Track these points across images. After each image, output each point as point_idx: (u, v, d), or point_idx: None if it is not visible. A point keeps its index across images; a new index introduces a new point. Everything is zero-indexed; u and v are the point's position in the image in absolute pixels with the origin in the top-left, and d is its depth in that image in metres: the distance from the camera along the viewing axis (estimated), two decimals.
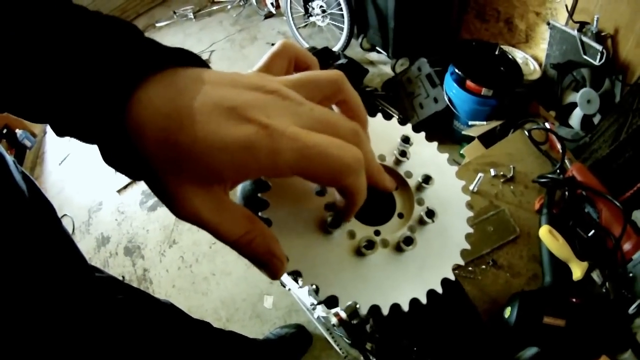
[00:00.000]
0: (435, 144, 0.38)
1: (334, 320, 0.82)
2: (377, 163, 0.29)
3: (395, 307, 0.30)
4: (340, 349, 1.16)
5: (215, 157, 0.23)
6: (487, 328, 0.74)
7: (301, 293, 1.04)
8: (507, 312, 0.71)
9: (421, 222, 0.33)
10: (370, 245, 0.30)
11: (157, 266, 1.99)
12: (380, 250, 0.31)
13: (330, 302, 0.29)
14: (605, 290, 0.77)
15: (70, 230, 2.22)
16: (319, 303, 0.91)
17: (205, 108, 0.23)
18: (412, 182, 0.34)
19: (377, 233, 0.32)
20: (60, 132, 0.26)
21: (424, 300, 0.30)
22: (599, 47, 1.91)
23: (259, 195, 0.30)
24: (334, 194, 0.30)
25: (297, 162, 0.23)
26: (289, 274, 0.28)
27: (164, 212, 2.17)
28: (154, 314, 0.83)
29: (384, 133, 0.35)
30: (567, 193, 0.89)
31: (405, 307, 0.30)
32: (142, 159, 0.23)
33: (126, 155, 0.24)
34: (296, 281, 1.00)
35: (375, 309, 0.29)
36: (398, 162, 0.34)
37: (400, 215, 0.34)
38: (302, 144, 0.23)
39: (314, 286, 0.29)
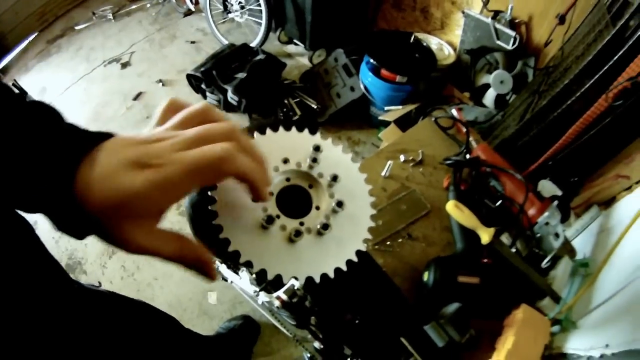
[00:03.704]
0: (341, 146, 0.47)
1: (277, 303, 0.90)
2: (257, 152, 0.37)
3: (324, 276, 0.39)
4: (287, 331, 1.24)
5: (135, 201, 0.31)
6: (401, 292, 0.85)
7: (243, 284, 1.10)
8: (426, 276, 0.79)
9: (334, 211, 0.42)
10: (298, 233, 0.39)
11: (101, 279, 1.94)
12: (306, 236, 0.40)
13: (277, 281, 0.38)
14: (515, 249, 0.87)
15: None
16: (261, 289, 0.99)
17: (116, 168, 0.31)
18: (324, 181, 0.44)
19: (301, 224, 0.41)
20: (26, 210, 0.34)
21: (344, 268, 0.40)
22: (512, 33, 2.06)
23: (209, 207, 0.38)
24: (271, 200, 0.39)
25: (190, 178, 0.32)
26: (242, 264, 0.36)
27: None
28: (135, 315, 0.83)
29: (299, 143, 0.45)
30: (473, 171, 1.00)
31: (331, 275, 0.39)
32: (90, 218, 0.31)
33: (76, 222, 0.32)
34: (236, 271, 1.05)
35: (310, 280, 0.38)
36: (311, 167, 0.44)
37: (317, 208, 0.43)
38: (183, 164, 0.31)
39: (261, 270, 0.37)
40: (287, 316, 0.91)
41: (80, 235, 0.33)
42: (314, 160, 0.43)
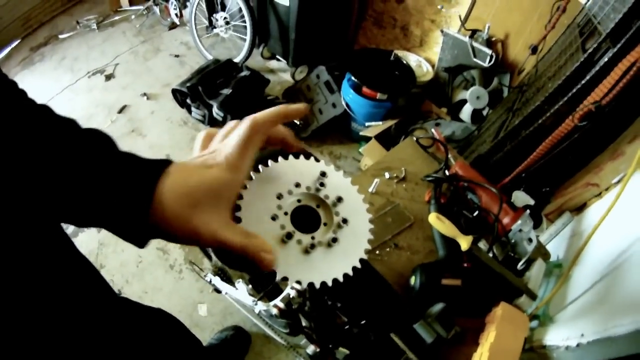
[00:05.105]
0: (342, 171, 0.55)
1: (274, 311, 0.96)
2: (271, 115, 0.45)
3: (335, 281, 0.46)
4: (281, 339, 1.29)
5: (215, 185, 0.38)
6: (396, 292, 0.90)
7: (240, 295, 1.15)
8: (412, 280, 0.86)
9: (339, 226, 0.50)
10: (312, 246, 0.46)
11: None
12: (318, 249, 0.47)
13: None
14: (492, 254, 0.95)
15: None
16: (259, 299, 1.05)
17: (188, 172, 0.38)
18: (329, 201, 0.51)
19: (312, 238, 0.48)
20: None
21: (350, 274, 0.47)
22: (489, 51, 2.15)
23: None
24: (286, 218, 0.46)
25: (246, 148, 0.40)
26: (267, 273, 0.43)
27: (86, 237, 2.11)
28: (156, 321, 0.86)
29: (307, 169, 0.52)
30: (452, 186, 1.08)
31: (341, 279, 0.46)
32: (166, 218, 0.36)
33: (145, 231, 0.37)
34: (231, 283, 1.10)
35: (323, 284, 0.45)
36: (318, 189, 0.51)
37: (325, 224, 0.50)
38: (235, 144, 0.40)
39: (283, 278, 0.44)
40: (280, 325, 0.97)
41: (142, 244, 0.38)
42: (321, 184, 0.51)
